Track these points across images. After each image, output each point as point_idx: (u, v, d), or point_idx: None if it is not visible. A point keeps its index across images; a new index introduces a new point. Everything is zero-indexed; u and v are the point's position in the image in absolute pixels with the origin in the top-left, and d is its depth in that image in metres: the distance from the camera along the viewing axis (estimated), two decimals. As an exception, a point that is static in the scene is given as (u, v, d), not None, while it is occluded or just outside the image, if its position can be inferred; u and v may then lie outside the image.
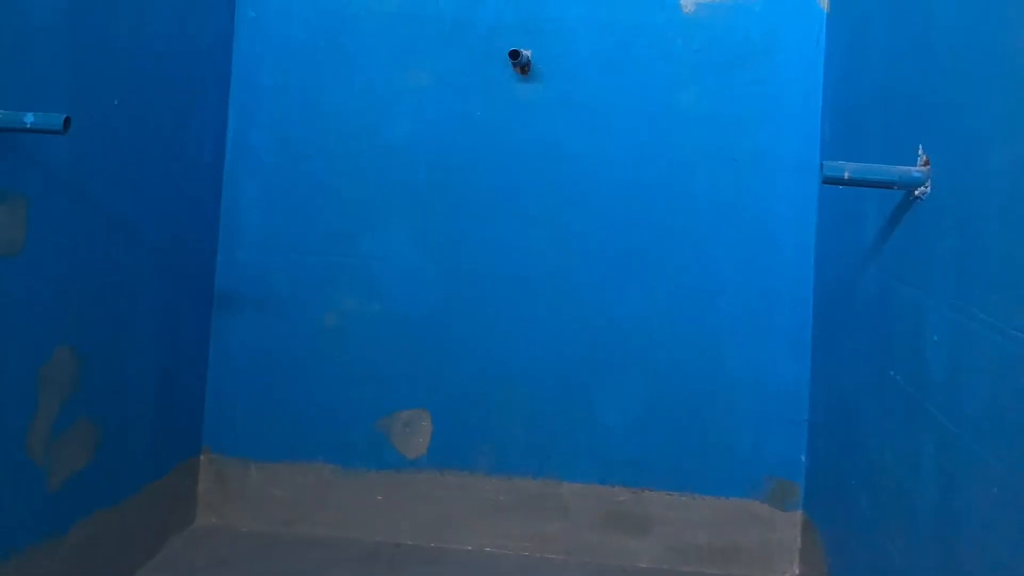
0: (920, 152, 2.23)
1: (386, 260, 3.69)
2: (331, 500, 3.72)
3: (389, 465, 3.70)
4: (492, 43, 3.63)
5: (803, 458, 3.51)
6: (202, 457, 3.77)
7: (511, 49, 3.50)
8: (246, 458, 3.75)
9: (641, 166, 3.58)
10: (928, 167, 2.18)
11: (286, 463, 3.73)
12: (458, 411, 3.68)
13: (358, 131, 3.70)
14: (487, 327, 3.67)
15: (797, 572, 3.50)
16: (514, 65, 3.56)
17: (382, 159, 3.69)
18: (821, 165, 2.32)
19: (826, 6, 3.48)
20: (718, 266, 3.57)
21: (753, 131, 3.54)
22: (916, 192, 2.23)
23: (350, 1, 3.69)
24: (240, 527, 3.73)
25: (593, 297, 3.61)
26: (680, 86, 3.56)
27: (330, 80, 3.71)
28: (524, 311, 3.64)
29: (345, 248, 3.70)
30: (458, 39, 3.66)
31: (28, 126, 2.36)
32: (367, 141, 3.69)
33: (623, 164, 3.59)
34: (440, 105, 3.66)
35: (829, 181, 2.28)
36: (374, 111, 3.69)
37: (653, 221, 3.58)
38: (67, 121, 2.36)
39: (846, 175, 2.26)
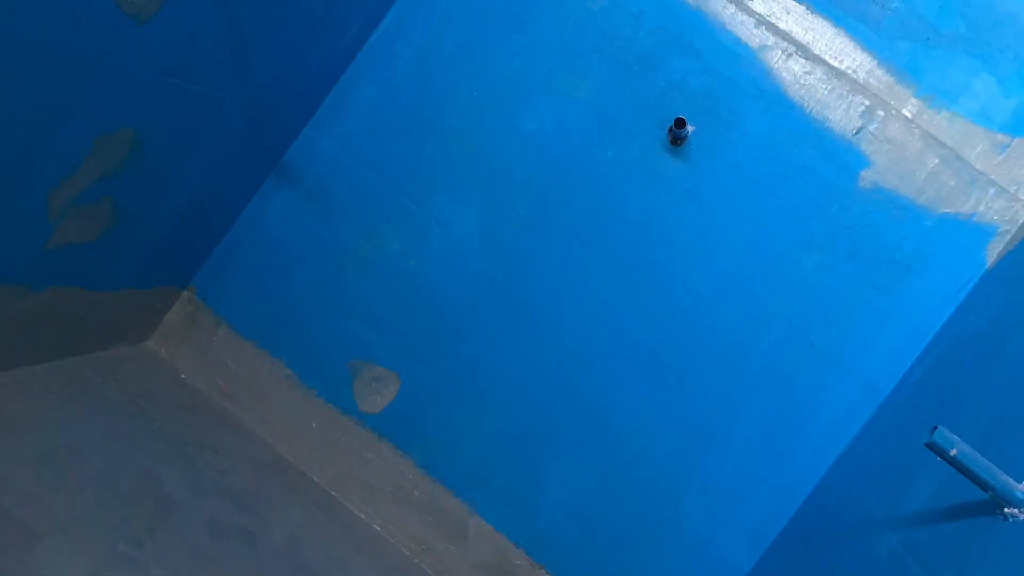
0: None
1: (448, 228, 3.59)
2: (272, 400, 3.69)
3: (339, 404, 3.66)
4: (663, 99, 3.45)
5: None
6: (185, 292, 3.74)
7: (679, 117, 3.33)
8: (221, 317, 3.72)
9: (724, 294, 3.43)
10: (1034, 496, 2.03)
11: (253, 344, 3.70)
12: (432, 396, 3.62)
13: (495, 98, 3.57)
14: (501, 338, 3.58)
15: None
16: (670, 131, 3.39)
17: (499, 138, 3.56)
18: (934, 427, 2.15)
19: (990, 264, 3.27)
20: (732, 421, 3.44)
21: (848, 330, 3.37)
22: (1006, 510, 2.08)
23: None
24: (180, 371, 3.72)
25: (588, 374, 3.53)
26: (807, 247, 3.37)
27: (497, 31, 3.57)
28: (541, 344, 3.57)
29: (420, 196, 3.61)
30: (633, 75, 3.48)
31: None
32: (497, 113, 3.57)
33: (712, 283, 3.44)
34: (581, 123, 3.52)
35: (933, 448, 2.11)
36: (523, 88, 3.55)
37: (702, 344, 3.45)
38: None
39: (952, 452, 2.10)
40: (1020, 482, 2.10)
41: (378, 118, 3.63)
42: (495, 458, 3.58)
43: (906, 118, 3.34)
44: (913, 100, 3.33)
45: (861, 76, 3.36)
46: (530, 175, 3.54)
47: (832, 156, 3.37)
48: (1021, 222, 3.26)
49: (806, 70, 3.38)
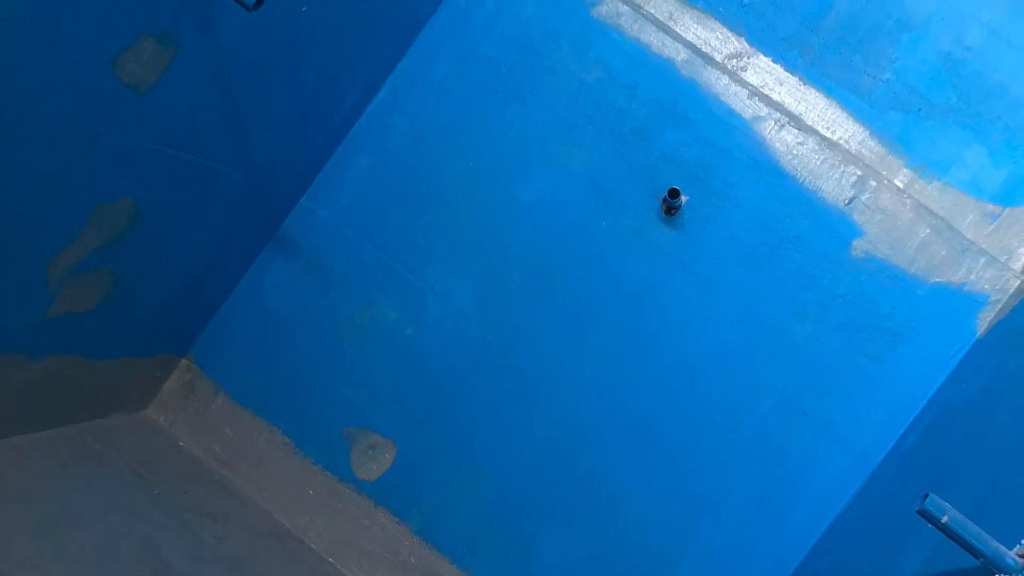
0: (1025, 543, 2.07)
1: (443, 297, 3.60)
2: (270, 468, 3.70)
3: (336, 471, 3.66)
4: (657, 169, 3.48)
5: None
6: (183, 361, 3.75)
7: (672, 187, 3.35)
8: (219, 385, 3.73)
9: (718, 364, 3.45)
10: (1025, 564, 2.02)
11: (251, 412, 3.71)
12: (428, 463, 3.62)
13: (490, 168, 3.60)
14: (497, 406, 3.58)
15: None
16: (664, 201, 3.42)
17: (494, 208, 3.59)
18: (926, 495, 2.16)
19: (981, 333, 3.29)
20: (725, 489, 3.44)
21: (840, 398, 3.38)
22: (998, 577, 2.07)
23: (553, 50, 3.55)
24: (179, 439, 3.72)
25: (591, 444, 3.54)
26: (800, 317, 3.40)
27: (492, 102, 3.60)
28: (532, 421, 3.57)
29: (416, 265, 3.62)
30: (627, 146, 3.51)
31: (223, -17, 2.28)
32: (492, 183, 3.60)
33: (705, 352, 3.45)
34: (576, 193, 3.54)
35: (925, 515, 2.09)
36: (518, 158, 3.58)
37: (696, 413, 3.46)
38: (260, 0, 2.29)
39: (944, 519, 2.08)
40: (1011, 549, 2.10)
41: (375, 188, 3.65)
42: (491, 525, 3.57)
43: (898, 188, 3.36)
44: (905, 170, 3.36)
45: (853, 146, 3.39)
46: (525, 245, 3.56)
47: (824, 226, 3.39)
48: (1012, 291, 3.28)
49: (799, 140, 3.41)
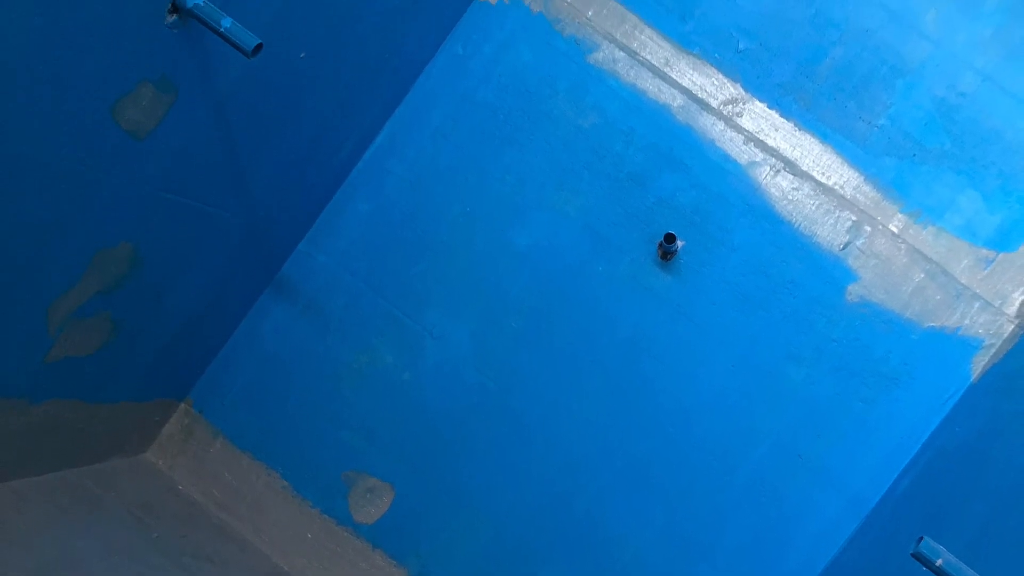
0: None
1: (441, 342, 3.62)
2: (268, 511, 3.70)
3: (334, 515, 3.66)
4: (652, 214, 3.49)
5: None
6: (182, 405, 3.76)
7: (668, 232, 3.36)
8: (218, 429, 3.73)
9: (714, 407, 3.46)
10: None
11: (249, 456, 3.71)
12: (425, 506, 3.62)
13: (487, 214, 3.61)
14: (494, 450, 3.59)
15: None
16: (660, 246, 3.43)
17: (491, 253, 3.60)
18: (920, 538, 2.17)
19: (975, 377, 3.30)
20: (721, 532, 3.45)
21: (835, 442, 3.39)
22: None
23: (550, 96, 3.57)
24: (178, 482, 3.72)
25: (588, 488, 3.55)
26: (795, 360, 3.41)
27: (489, 148, 3.61)
28: (530, 465, 3.58)
29: (413, 310, 3.63)
30: (623, 192, 3.52)
31: (222, 31, 2.26)
32: (489, 228, 3.61)
33: (701, 396, 3.46)
34: (572, 238, 3.55)
35: (919, 558, 2.11)
36: (515, 204, 3.59)
37: (691, 456, 3.47)
38: (258, 47, 2.27)
39: (938, 562, 2.10)
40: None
41: (372, 233, 3.67)
42: (488, 567, 3.57)
43: (892, 233, 3.38)
44: (899, 215, 3.38)
45: (848, 192, 3.41)
46: (522, 290, 3.57)
47: (819, 270, 3.41)
48: (1006, 335, 3.29)
49: (794, 186, 3.43)
